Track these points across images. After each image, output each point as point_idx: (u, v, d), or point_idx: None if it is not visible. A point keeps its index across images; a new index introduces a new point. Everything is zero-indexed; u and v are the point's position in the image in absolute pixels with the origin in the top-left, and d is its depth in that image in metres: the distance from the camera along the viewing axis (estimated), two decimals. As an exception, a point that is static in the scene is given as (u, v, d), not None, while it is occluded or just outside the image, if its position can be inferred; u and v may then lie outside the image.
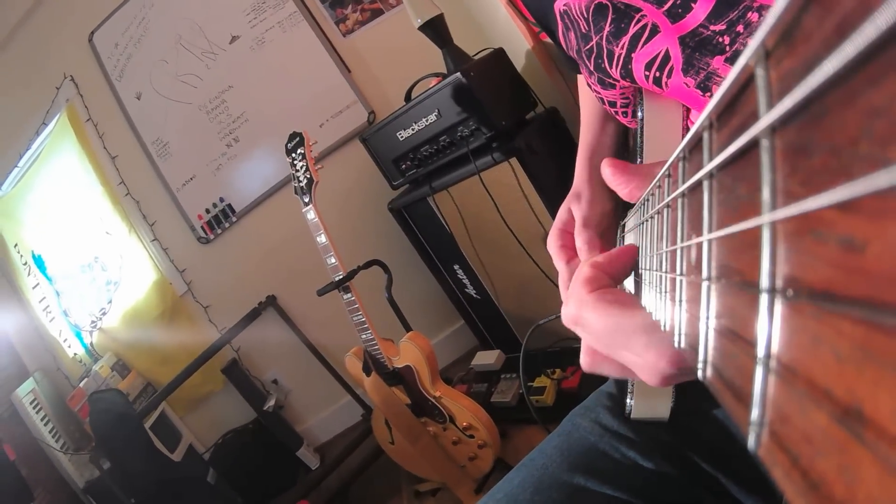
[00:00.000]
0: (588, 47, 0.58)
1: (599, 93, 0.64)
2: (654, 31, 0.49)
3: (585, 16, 0.56)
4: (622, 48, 0.53)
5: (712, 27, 0.44)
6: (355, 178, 2.46)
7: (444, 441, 1.67)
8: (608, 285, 0.37)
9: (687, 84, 0.48)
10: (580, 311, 0.36)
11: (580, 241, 0.64)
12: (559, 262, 0.65)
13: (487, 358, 2.14)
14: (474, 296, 2.14)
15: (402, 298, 1.85)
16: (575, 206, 0.67)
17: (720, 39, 0.44)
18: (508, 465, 1.68)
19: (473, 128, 1.71)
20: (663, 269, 0.28)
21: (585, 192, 0.67)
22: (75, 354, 2.76)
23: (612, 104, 0.64)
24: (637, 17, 0.50)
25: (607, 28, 0.53)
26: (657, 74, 0.50)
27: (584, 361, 0.41)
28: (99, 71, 2.53)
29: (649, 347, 0.31)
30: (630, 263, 0.40)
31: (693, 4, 0.44)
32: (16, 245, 2.82)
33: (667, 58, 0.49)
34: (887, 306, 0.09)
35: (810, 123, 0.12)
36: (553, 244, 0.67)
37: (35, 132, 2.64)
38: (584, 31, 0.58)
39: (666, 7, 0.46)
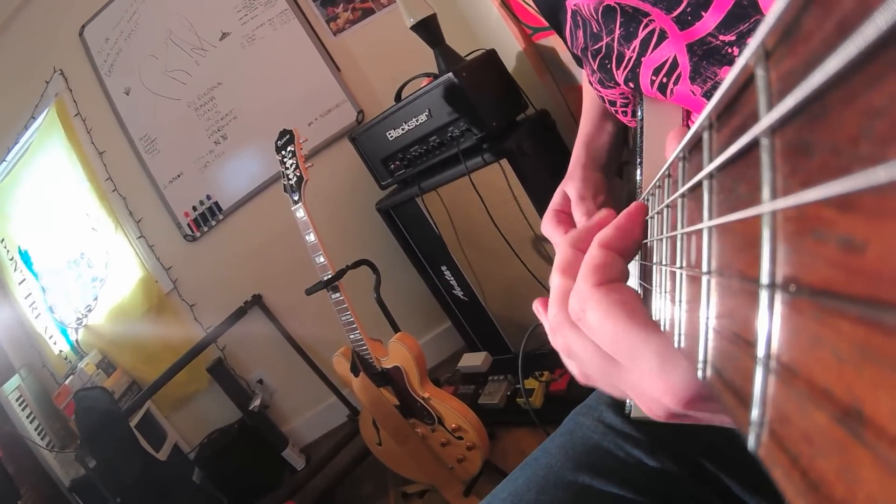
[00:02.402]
0: (596, 47, 0.58)
1: (600, 91, 0.64)
2: (662, 36, 0.48)
3: (596, 17, 0.56)
4: (633, 51, 0.52)
5: (721, 37, 0.43)
6: (343, 177, 2.45)
7: (432, 442, 1.66)
8: (618, 278, 0.31)
9: (693, 92, 0.47)
10: (584, 306, 0.31)
11: (578, 214, 0.63)
12: (557, 237, 0.62)
13: (474, 360, 2.13)
14: (462, 297, 2.14)
15: (388, 299, 1.84)
16: (569, 185, 0.68)
17: (729, 50, 0.43)
18: (496, 467, 1.68)
19: (464, 128, 1.71)
20: (663, 265, 0.28)
21: (577, 172, 0.68)
22: (61, 351, 2.73)
23: (612, 103, 0.65)
24: (645, 21, 0.50)
25: (618, 31, 0.53)
26: (664, 80, 0.50)
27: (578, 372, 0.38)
28: (89, 65, 2.50)
29: (660, 376, 0.27)
30: (641, 226, 0.34)
31: (703, 13, 0.44)
32: (2, 240, 2.79)
33: (674, 65, 0.48)
34: (887, 306, 0.09)
35: (810, 123, 0.12)
36: (548, 224, 0.65)
37: (23, 126, 2.61)
38: (594, 31, 0.57)
39: (675, 13, 0.46)
